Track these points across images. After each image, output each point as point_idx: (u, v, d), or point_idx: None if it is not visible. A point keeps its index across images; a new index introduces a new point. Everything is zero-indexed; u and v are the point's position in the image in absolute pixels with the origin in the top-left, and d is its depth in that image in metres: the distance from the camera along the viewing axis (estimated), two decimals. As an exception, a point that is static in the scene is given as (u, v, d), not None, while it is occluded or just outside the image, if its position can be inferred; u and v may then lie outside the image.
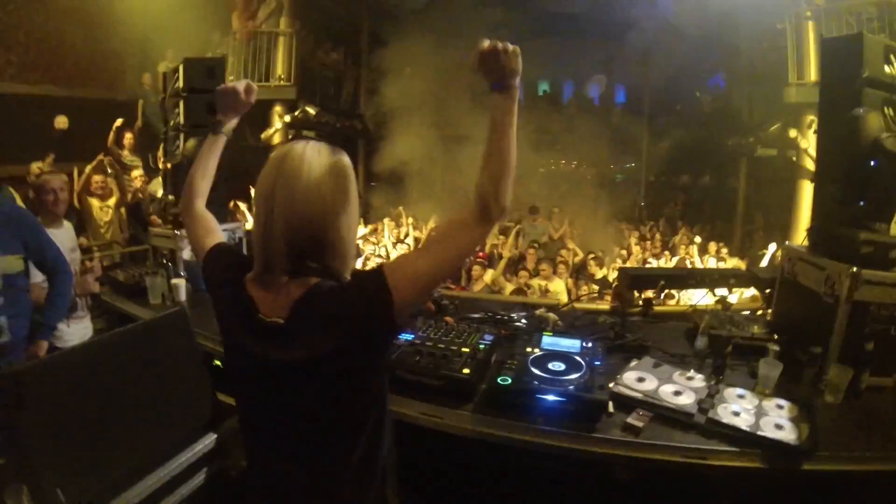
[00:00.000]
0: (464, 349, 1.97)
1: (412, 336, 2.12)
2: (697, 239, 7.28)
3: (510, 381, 1.73)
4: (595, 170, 11.92)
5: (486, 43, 1.13)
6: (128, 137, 6.51)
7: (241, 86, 1.48)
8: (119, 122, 6.48)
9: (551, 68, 13.65)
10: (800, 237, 6.83)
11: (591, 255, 6.68)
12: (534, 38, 12.20)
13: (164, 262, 3.16)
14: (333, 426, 1.13)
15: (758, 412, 1.75)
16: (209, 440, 1.92)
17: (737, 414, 1.72)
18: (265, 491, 1.22)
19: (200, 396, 2.02)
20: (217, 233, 1.37)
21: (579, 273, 6.63)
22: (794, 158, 7.38)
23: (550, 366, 1.83)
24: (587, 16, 11.30)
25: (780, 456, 1.61)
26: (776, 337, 2.20)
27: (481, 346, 2.02)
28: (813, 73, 6.86)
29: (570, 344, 2.03)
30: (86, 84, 7.31)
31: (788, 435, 1.63)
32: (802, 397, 1.85)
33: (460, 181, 9.01)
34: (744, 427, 1.66)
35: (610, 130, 11.26)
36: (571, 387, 1.71)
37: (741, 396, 1.85)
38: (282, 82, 8.17)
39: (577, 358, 1.88)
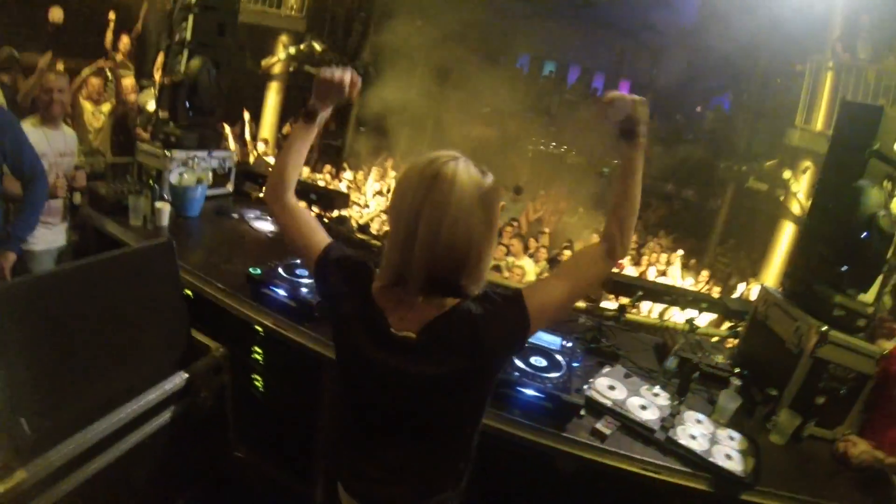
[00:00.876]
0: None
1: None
2: (679, 252, 7.43)
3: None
4: (583, 159, 11.94)
5: (613, 94, 1.16)
6: (124, 41, 6.08)
7: (346, 78, 1.31)
8: (112, 17, 6.02)
9: (561, 51, 13.52)
10: (770, 273, 7.10)
11: (566, 245, 6.78)
12: (549, 18, 12.00)
13: (150, 182, 3.03)
14: (447, 433, 1.22)
15: (712, 439, 1.87)
16: (179, 379, 1.91)
17: (693, 437, 1.84)
18: (364, 479, 1.26)
19: (177, 333, 2.01)
20: (321, 231, 1.30)
21: (553, 262, 6.75)
22: (782, 198, 7.57)
23: (532, 360, 1.89)
24: (606, 6, 11.15)
25: (726, 484, 1.74)
26: (738, 371, 2.32)
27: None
28: (820, 123, 6.96)
29: (551, 340, 2.09)
30: None
31: (736, 466, 1.77)
32: (752, 433, 1.97)
33: (450, 135, 8.97)
34: (698, 451, 1.78)
35: (605, 125, 11.21)
36: (551, 385, 1.78)
37: (699, 422, 1.96)
38: (293, 12, 7.81)
39: (558, 357, 1.95)
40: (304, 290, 2.21)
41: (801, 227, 6.33)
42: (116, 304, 1.75)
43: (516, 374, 1.80)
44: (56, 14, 5.60)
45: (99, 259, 1.75)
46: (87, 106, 5.14)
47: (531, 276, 5.88)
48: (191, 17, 3.40)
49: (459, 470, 1.28)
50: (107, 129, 5.13)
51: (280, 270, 2.33)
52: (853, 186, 2.02)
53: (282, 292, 2.20)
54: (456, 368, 1.10)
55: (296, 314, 2.16)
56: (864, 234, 1.96)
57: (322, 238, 1.28)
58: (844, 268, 2.08)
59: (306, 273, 2.33)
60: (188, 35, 3.41)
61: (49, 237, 2.77)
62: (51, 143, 2.68)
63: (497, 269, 5.96)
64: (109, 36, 6.02)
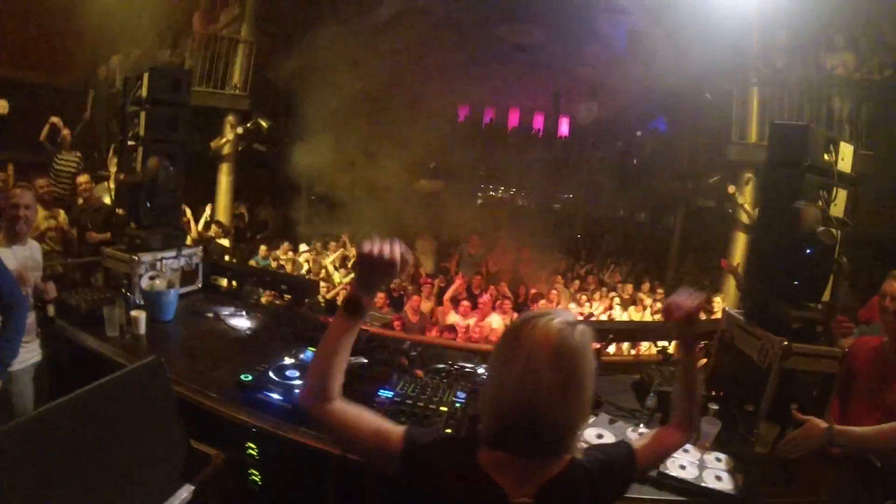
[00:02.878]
0: (441, 408, 2.10)
1: (392, 393, 2.24)
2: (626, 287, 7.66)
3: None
4: (533, 199, 12.28)
5: (689, 301, 1.28)
6: (65, 133, 6.00)
7: (397, 252, 1.13)
8: (54, 120, 5.95)
9: (499, 96, 13.99)
10: (731, 286, 7.41)
11: (536, 293, 6.92)
12: (485, 64, 12.52)
13: (122, 290, 3.02)
14: None
15: (700, 465, 1.99)
16: (186, 493, 1.89)
17: (683, 467, 1.95)
18: None
19: (176, 446, 1.99)
20: (384, 421, 1.18)
21: (521, 309, 6.84)
22: (731, 211, 7.97)
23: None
24: (539, 48, 11.74)
25: (721, 503, 1.85)
26: (714, 393, 2.47)
27: (457, 405, 2.16)
28: (754, 135, 7.46)
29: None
30: (31, 66, 6.69)
31: (726, 485, 1.89)
32: (737, 450, 2.11)
33: (400, 194, 9.06)
34: (689, 479, 1.90)
35: (551, 163, 11.59)
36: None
37: (685, 451, 2.06)
38: (237, 91, 7.97)
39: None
40: (297, 391, 2.21)
41: (751, 243, 6.69)
42: (112, 430, 1.73)
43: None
44: (1, 105, 5.48)
45: (89, 389, 1.72)
46: (40, 210, 5.04)
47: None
48: (142, 114, 3.43)
49: None
50: (59, 233, 5.01)
51: (271, 374, 2.33)
52: (791, 208, 2.23)
53: (276, 396, 2.20)
54: None
55: (292, 416, 2.16)
56: (808, 250, 2.17)
57: (390, 427, 1.15)
58: (796, 282, 2.27)
59: (297, 375, 2.33)
60: (141, 131, 3.42)
61: (25, 356, 2.67)
62: (20, 262, 2.63)
63: (453, 329, 6.03)
64: (45, 133, 5.92)
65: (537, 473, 1.07)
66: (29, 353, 2.74)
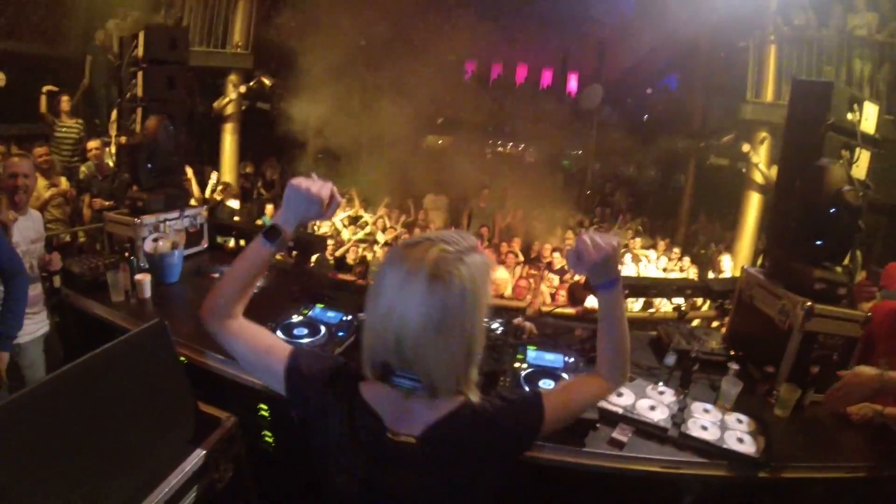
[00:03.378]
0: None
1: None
2: (659, 251, 7.54)
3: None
4: (542, 155, 12.10)
5: (602, 243, 1.12)
6: (64, 100, 5.92)
7: (325, 192, 1.12)
8: (45, 90, 5.83)
9: (506, 52, 13.67)
10: (744, 245, 7.31)
11: (554, 249, 6.86)
12: (492, 20, 12.14)
13: (126, 254, 2.96)
14: None
15: (721, 426, 1.95)
16: (197, 457, 1.87)
17: (705, 428, 1.91)
18: None
19: (184, 410, 1.97)
20: (279, 341, 1.18)
21: (532, 263, 6.81)
22: (745, 170, 7.78)
23: (541, 383, 1.92)
24: (547, 4, 11.36)
25: (742, 466, 1.82)
26: (732, 353, 2.41)
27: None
28: (770, 94, 7.20)
29: (554, 359, 2.13)
30: (26, 37, 6.51)
31: (748, 447, 1.85)
32: (757, 412, 2.06)
33: (407, 151, 8.90)
34: (711, 440, 1.86)
35: (560, 118, 11.37)
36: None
37: (707, 411, 2.04)
38: (239, 50, 7.71)
39: (565, 375, 1.99)
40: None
41: (769, 200, 6.55)
42: (119, 396, 1.71)
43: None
44: None
45: (93, 356, 1.68)
46: (40, 181, 4.98)
47: (507, 288, 5.91)
48: (140, 74, 3.36)
49: None
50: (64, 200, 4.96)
51: (279, 332, 2.31)
52: (815, 166, 2.13)
53: None
54: (459, 477, 1.02)
55: None
56: (833, 209, 2.07)
57: (281, 349, 1.14)
58: (819, 242, 2.18)
59: (305, 332, 2.30)
60: (139, 91, 3.37)
61: (32, 327, 2.68)
62: (21, 232, 2.59)
63: None
64: (43, 100, 5.85)
65: (423, 413, 1.01)
66: (37, 325, 2.74)
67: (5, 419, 1.38)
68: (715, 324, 3.04)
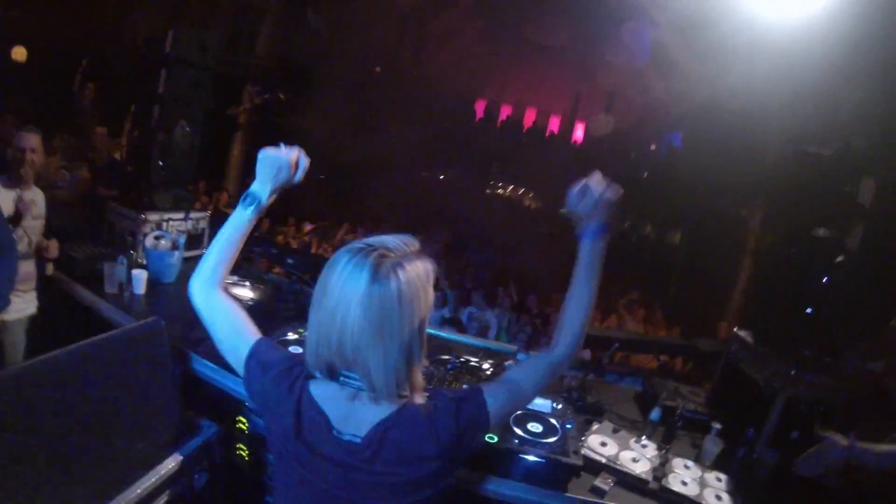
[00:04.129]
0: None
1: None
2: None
3: (496, 439, 1.82)
4: (541, 201, 12.23)
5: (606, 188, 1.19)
6: (90, 89, 5.90)
7: (293, 154, 1.28)
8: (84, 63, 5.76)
9: (518, 93, 13.96)
10: (732, 308, 7.33)
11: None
12: (506, 60, 12.45)
13: (128, 248, 2.95)
14: None
15: (701, 482, 1.96)
16: (174, 461, 1.85)
17: (685, 483, 1.93)
18: None
19: (168, 412, 1.95)
20: (251, 326, 1.21)
21: (520, 308, 6.77)
22: (739, 236, 7.85)
23: (530, 426, 1.93)
24: (562, 50, 11.68)
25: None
26: (716, 413, 2.43)
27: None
28: (772, 159, 7.15)
29: (542, 403, 2.13)
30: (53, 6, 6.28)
31: (726, 507, 1.84)
32: (737, 472, 2.08)
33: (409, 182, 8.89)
34: (690, 496, 1.87)
35: (564, 166, 11.53)
36: (549, 450, 1.83)
37: (687, 467, 2.05)
38: (259, 61, 7.87)
39: (553, 421, 2.00)
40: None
41: (759, 265, 6.61)
42: (107, 389, 1.69)
43: (516, 441, 1.84)
44: (19, 53, 5.35)
45: (87, 343, 1.68)
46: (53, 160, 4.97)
47: (500, 335, 5.89)
48: (164, 71, 3.38)
49: None
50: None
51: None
52: (810, 236, 2.20)
53: None
54: (406, 476, 1.03)
55: None
56: (825, 279, 2.13)
57: (250, 334, 1.18)
58: (808, 310, 2.23)
59: (299, 351, 2.29)
60: (160, 88, 3.37)
61: (20, 305, 2.65)
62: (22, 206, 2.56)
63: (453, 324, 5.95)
64: (78, 80, 5.82)
65: (368, 414, 1.03)
66: (24, 304, 2.70)
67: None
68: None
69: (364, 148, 8.96)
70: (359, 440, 1.03)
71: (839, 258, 2.11)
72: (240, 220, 1.28)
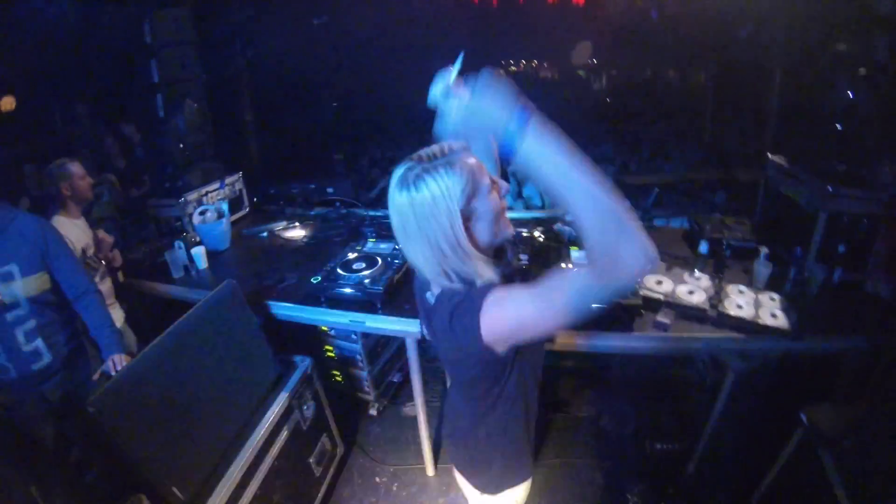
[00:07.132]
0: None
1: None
2: None
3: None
4: (557, 70, 11.68)
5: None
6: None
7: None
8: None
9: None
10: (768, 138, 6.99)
11: None
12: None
13: (183, 233, 3.07)
14: (463, 383, 1.33)
15: (756, 303, 2.06)
16: (282, 399, 2.09)
17: (740, 307, 2.03)
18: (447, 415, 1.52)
19: (264, 358, 2.17)
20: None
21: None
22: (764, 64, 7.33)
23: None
24: None
25: (777, 339, 1.95)
26: (761, 240, 2.48)
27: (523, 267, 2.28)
28: None
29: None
30: None
31: (781, 322, 1.97)
32: (788, 291, 2.16)
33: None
34: (747, 318, 1.98)
35: (568, 30, 10.81)
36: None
37: (741, 292, 2.15)
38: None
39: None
40: (367, 281, 2.31)
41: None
42: (209, 354, 1.90)
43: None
44: (8, 103, 5.30)
45: (180, 322, 1.85)
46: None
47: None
48: (154, 61, 3.35)
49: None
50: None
51: (339, 271, 2.41)
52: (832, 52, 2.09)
53: (349, 290, 2.29)
54: (450, 347, 1.19)
55: (367, 305, 2.27)
56: (851, 94, 2.06)
57: None
58: (839, 126, 2.18)
59: (363, 266, 2.41)
60: (155, 77, 3.37)
61: (116, 314, 2.68)
62: (77, 240, 2.46)
63: None
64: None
65: (431, 297, 1.22)
66: (115, 315, 2.68)
67: (113, 397, 1.56)
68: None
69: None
70: (432, 304, 1.22)
71: (861, 71, 2.01)
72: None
